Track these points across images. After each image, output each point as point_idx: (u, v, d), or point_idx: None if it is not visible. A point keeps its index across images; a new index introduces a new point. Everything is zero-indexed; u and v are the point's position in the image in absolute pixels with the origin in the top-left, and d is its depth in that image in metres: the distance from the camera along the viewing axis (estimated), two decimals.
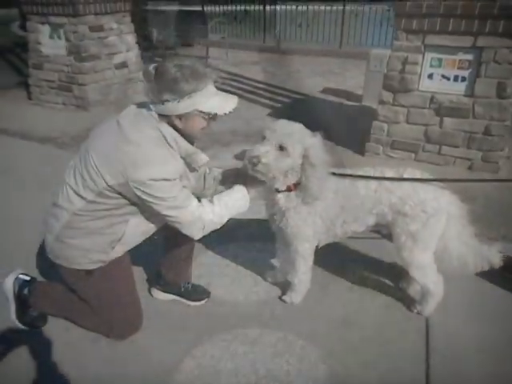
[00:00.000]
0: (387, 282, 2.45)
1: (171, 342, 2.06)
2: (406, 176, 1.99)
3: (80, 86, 5.48)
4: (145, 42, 8.04)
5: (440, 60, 3.64)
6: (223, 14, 10.55)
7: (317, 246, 2.17)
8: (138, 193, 1.65)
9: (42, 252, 2.63)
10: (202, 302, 2.28)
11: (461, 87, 3.64)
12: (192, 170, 1.85)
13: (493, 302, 2.30)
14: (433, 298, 2.11)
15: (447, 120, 3.73)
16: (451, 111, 3.69)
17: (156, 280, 2.30)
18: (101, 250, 1.81)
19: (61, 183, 1.82)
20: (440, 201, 1.93)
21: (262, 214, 2.95)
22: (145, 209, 1.77)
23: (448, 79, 3.66)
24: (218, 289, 2.38)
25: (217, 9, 10.86)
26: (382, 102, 3.95)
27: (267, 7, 10.27)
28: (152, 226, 1.87)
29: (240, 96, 6.24)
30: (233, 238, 2.88)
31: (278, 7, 10.63)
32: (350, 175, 2.01)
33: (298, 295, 2.26)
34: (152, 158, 1.63)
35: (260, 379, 1.86)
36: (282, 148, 1.82)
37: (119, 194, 1.69)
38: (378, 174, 2.03)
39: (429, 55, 3.66)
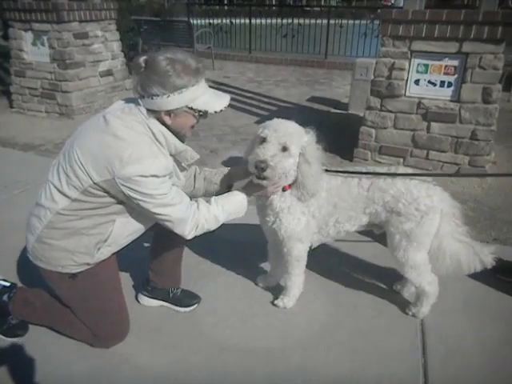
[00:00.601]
0: (380, 284, 2.41)
1: (159, 348, 1.97)
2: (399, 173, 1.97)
3: (64, 93, 5.39)
4: (130, 52, 7.98)
5: (426, 66, 3.68)
6: (209, 25, 10.59)
7: (310, 248, 2.11)
8: (126, 190, 1.56)
9: (22, 258, 2.53)
10: (192, 307, 2.19)
11: (447, 93, 3.67)
12: (182, 169, 1.79)
13: (486, 303, 2.28)
14: (428, 299, 2.08)
15: (434, 125, 3.76)
16: (438, 116, 3.72)
17: (143, 286, 2.21)
18: (86, 251, 1.72)
19: (43, 182, 1.74)
20: (433, 198, 1.91)
21: (251, 218, 2.92)
22: (133, 208, 1.70)
23: (434, 85, 3.70)
24: (208, 295, 2.29)
25: (202, 22, 10.93)
26: (369, 108, 3.97)
27: (252, 20, 10.35)
28: (140, 226, 1.80)
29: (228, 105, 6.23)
30: (223, 243, 2.81)
31: (263, 20, 10.74)
32: (344, 171, 1.98)
33: (290, 299, 2.20)
34: (140, 154, 1.55)
35: None
36: (284, 149, 1.78)
37: (106, 191, 1.61)
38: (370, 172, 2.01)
39: (415, 61, 3.70)
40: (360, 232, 2.76)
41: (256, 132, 1.87)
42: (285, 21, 10.56)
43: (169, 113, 1.61)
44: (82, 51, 5.38)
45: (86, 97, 5.52)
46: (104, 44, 5.68)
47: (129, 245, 1.87)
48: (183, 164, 1.76)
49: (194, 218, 1.71)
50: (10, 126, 5.23)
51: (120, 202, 1.67)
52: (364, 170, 2.01)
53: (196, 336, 2.05)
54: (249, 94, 6.85)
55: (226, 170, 2.07)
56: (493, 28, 3.32)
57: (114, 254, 1.83)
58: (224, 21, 11.05)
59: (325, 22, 9.58)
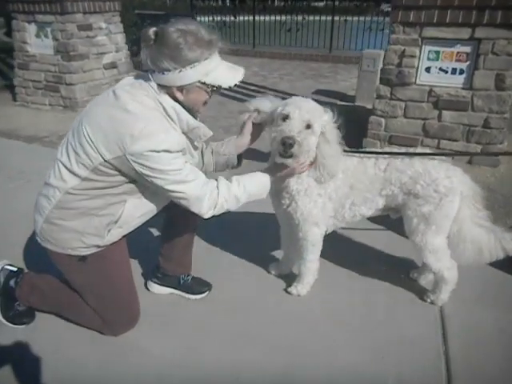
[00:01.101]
0: (396, 272, 2.34)
1: (170, 336, 1.91)
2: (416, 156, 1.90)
3: (68, 85, 5.33)
4: (133, 47, 7.93)
5: (438, 53, 3.59)
6: (212, 20, 10.51)
7: (325, 232, 2.05)
8: (137, 167, 1.50)
9: (29, 245, 2.49)
10: (203, 295, 2.13)
11: (459, 80, 3.59)
12: (194, 147, 1.72)
13: (505, 291, 2.21)
14: (447, 286, 2.01)
15: (446, 113, 3.67)
16: (450, 104, 3.63)
17: (153, 273, 2.15)
18: (96, 232, 1.65)
19: (52, 161, 1.67)
20: (453, 180, 1.84)
21: (262, 206, 2.86)
22: (145, 188, 1.64)
23: (446, 72, 3.61)
24: (219, 282, 2.23)
25: (206, 19, 10.85)
26: (379, 97, 3.88)
27: (256, 17, 10.29)
28: (152, 207, 1.73)
29: (232, 98, 6.17)
30: (233, 231, 2.76)
31: (267, 17, 10.67)
32: (362, 151, 1.92)
33: (304, 286, 2.14)
34: (152, 129, 1.48)
35: (263, 376, 1.73)
36: (308, 126, 1.71)
37: (117, 169, 1.55)
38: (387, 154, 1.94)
39: (426, 48, 3.61)
40: (374, 220, 2.72)
41: (275, 110, 1.79)
42: (289, 17, 10.48)
43: (181, 88, 1.54)
44: (85, 43, 5.32)
45: (90, 89, 5.46)
46: (108, 36, 5.62)
47: (139, 228, 1.80)
48: (195, 142, 1.69)
49: (212, 196, 1.64)
50: (13, 119, 5.17)
51: (132, 181, 1.61)
52: (381, 150, 1.95)
53: (207, 324, 1.99)
54: (254, 87, 6.78)
55: (232, 139, 1.96)
56: (506, 12, 3.23)
57: (124, 236, 1.77)
58: (227, 18, 10.96)
59: (329, 18, 9.51)
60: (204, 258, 2.41)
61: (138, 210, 1.69)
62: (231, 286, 2.24)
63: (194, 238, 2.09)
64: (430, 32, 3.53)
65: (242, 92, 6.33)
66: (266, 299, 2.15)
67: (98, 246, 1.69)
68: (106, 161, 1.51)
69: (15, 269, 1.94)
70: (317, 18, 10.09)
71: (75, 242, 1.66)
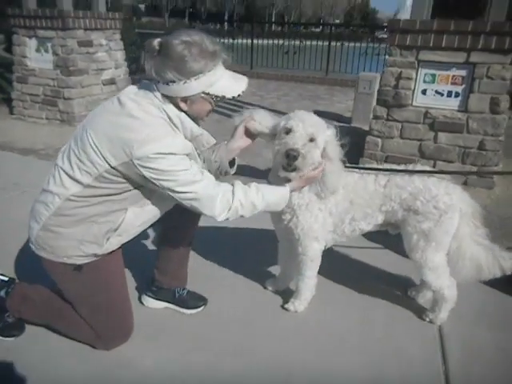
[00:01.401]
0: (393, 290, 2.31)
1: (164, 351, 1.85)
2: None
3: (66, 100, 5.35)
4: (132, 65, 8.00)
5: (434, 76, 3.67)
6: None
7: (324, 247, 2.03)
8: (145, 172, 1.49)
9: (22, 256, 2.43)
10: (198, 309, 2.08)
11: (455, 102, 3.65)
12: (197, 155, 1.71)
13: (504, 310, 2.19)
14: (446, 304, 1.98)
15: (441, 135, 3.72)
16: (445, 126, 3.69)
17: (148, 286, 2.10)
18: (94, 240, 1.62)
19: (52, 168, 1.65)
20: (452, 197, 1.84)
21: (258, 221, 2.84)
22: (149, 195, 1.63)
23: (442, 95, 3.68)
24: (214, 298, 2.18)
25: None
26: (375, 117, 3.94)
27: (254, 41, 10.49)
28: (152, 216, 1.71)
29: (229, 116, 6.21)
30: (229, 246, 2.73)
31: (264, 41, 10.89)
32: (362, 167, 1.92)
33: (302, 303, 2.10)
34: (159, 134, 1.49)
35: None
36: (312, 139, 1.71)
37: (123, 176, 1.53)
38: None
39: (422, 71, 3.69)
40: (372, 238, 2.71)
41: (278, 124, 1.80)
42: (286, 41, 10.70)
43: (185, 99, 1.54)
44: (85, 59, 5.38)
45: (88, 104, 5.47)
46: (108, 53, 5.69)
47: (133, 240, 1.77)
48: (198, 151, 1.69)
49: (225, 197, 1.61)
50: (9, 132, 5.16)
51: (136, 188, 1.59)
52: (381, 167, 1.96)
53: (202, 339, 1.94)
54: (251, 107, 6.83)
55: (222, 144, 1.91)
56: (501, 38, 3.33)
57: (122, 245, 1.74)
58: (226, 40, 11.16)
59: (326, 43, 9.74)
60: (200, 272, 2.36)
61: (138, 219, 1.67)
62: (227, 301, 2.20)
63: (189, 251, 2.06)
64: (426, 55, 3.61)
65: (240, 111, 6.39)
66: (263, 315, 2.11)
67: (96, 255, 1.66)
68: (112, 167, 1.50)
69: (6, 278, 1.89)
70: (314, 42, 10.31)
71: (72, 250, 1.62)
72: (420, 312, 2.11)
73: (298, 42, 10.44)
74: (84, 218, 1.59)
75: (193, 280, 2.18)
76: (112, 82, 5.79)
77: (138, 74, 8.38)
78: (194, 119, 1.62)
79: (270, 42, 10.77)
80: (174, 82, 1.49)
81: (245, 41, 10.92)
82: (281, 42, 10.73)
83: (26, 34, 5.36)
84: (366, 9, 44.71)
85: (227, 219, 1.65)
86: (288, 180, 1.76)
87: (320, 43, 10.02)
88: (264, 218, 3.01)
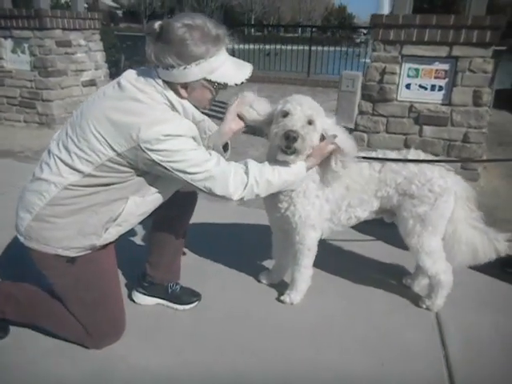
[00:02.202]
0: (389, 280, 2.30)
1: (157, 348, 1.78)
2: (410, 157, 1.90)
3: (44, 102, 5.21)
4: (112, 68, 7.88)
5: (417, 70, 3.70)
6: None
7: (320, 237, 2.00)
8: (154, 155, 1.42)
9: (4, 254, 2.32)
10: (192, 305, 2.02)
11: (438, 96, 3.70)
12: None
13: (498, 296, 2.20)
14: (442, 290, 1.97)
15: (426, 128, 3.76)
16: (430, 120, 3.72)
17: (139, 282, 2.03)
18: (92, 231, 1.54)
19: (47, 156, 1.56)
20: (447, 180, 1.84)
21: (250, 216, 2.80)
22: (150, 184, 1.57)
23: (425, 89, 3.72)
24: (208, 293, 2.12)
25: None
26: (361, 113, 3.95)
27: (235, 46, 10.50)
28: (153, 206, 1.65)
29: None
30: (222, 240, 2.68)
31: (246, 46, 10.92)
32: (370, 158, 1.90)
33: (298, 294, 2.06)
34: (165, 117, 1.44)
35: None
36: (310, 122, 1.68)
37: (129, 163, 1.47)
38: (380, 157, 1.94)
39: (406, 65, 3.72)
40: (364, 231, 2.70)
41: (275, 109, 1.77)
42: (267, 46, 10.74)
43: (185, 85, 1.49)
44: (64, 60, 5.25)
45: (68, 106, 5.35)
46: (87, 54, 5.58)
47: (122, 235, 1.70)
48: (201, 135, 1.63)
49: (238, 174, 1.56)
50: None
51: (139, 176, 1.53)
52: (376, 155, 1.94)
53: (197, 335, 1.87)
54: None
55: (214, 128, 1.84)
56: (482, 32, 3.38)
57: (120, 236, 1.67)
58: None
59: (306, 47, 9.83)
60: (193, 267, 2.31)
61: (139, 208, 1.60)
62: (221, 295, 2.14)
63: (183, 244, 2.00)
64: (409, 50, 3.64)
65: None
66: (258, 309, 2.06)
67: (93, 247, 1.58)
68: (119, 154, 1.43)
69: None
70: (294, 47, 10.37)
71: (68, 241, 1.53)
72: (416, 300, 2.10)
73: (278, 46, 10.48)
74: (83, 207, 1.51)
75: (185, 275, 2.12)
76: (92, 83, 5.67)
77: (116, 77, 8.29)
78: (196, 107, 1.57)
79: (251, 46, 10.78)
80: (173, 67, 1.43)
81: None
82: (261, 46, 10.75)
83: (2, 34, 5.21)
84: (343, 14, 45.36)
85: (242, 198, 1.59)
86: (287, 164, 1.71)
87: (300, 47, 10.10)
88: (256, 213, 3.00)
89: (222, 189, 1.55)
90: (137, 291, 2.03)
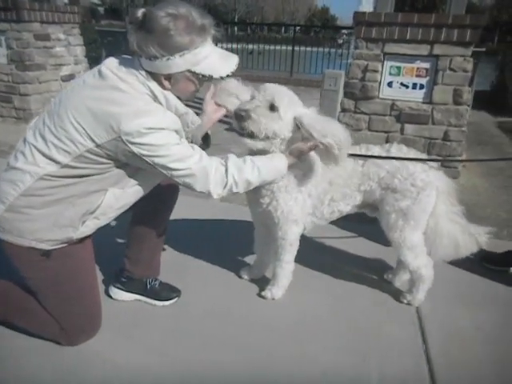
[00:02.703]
0: (370, 275, 2.30)
1: (135, 345, 1.74)
2: (393, 151, 1.90)
3: (22, 96, 5.06)
4: (92, 65, 7.73)
5: (399, 68, 3.72)
6: None
7: (304, 230, 1.98)
8: (135, 148, 1.38)
9: None
10: (172, 301, 1.98)
11: (419, 94, 3.72)
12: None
13: (476, 290, 2.23)
14: (423, 285, 1.98)
15: (408, 126, 3.78)
16: (411, 118, 3.74)
17: (116, 278, 1.97)
18: (69, 223, 1.48)
19: (22, 144, 1.49)
20: (429, 174, 1.85)
21: (232, 212, 2.77)
22: (130, 176, 1.52)
23: (407, 87, 3.74)
24: (188, 288, 2.08)
25: None
26: (343, 110, 3.96)
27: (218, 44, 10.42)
28: (132, 198, 1.59)
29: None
30: (203, 236, 2.64)
31: (229, 45, 10.88)
32: (360, 155, 1.89)
33: (280, 289, 2.04)
34: (148, 108, 1.40)
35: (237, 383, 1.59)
36: (272, 107, 1.64)
37: (107, 156, 1.42)
38: (363, 151, 1.93)
39: (388, 63, 3.73)
40: (345, 227, 2.69)
41: None
42: (250, 46, 10.71)
43: (168, 77, 1.44)
44: (43, 53, 5.11)
45: (46, 101, 5.19)
46: (67, 48, 5.44)
47: (98, 229, 1.65)
48: (184, 128, 1.57)
49: (219, 172, 1.52)
50: None
51: (118, 167, 1.48)
52: (357, 150, 1.92)
53: (176, 331, 1.83)
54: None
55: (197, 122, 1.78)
56: (462, 31, 3.42)
57: (98, 229, 1.61)
58: None
59: (289, 48, 9.84)
60: (172, 263, 2.26)
61: (118, 201, 1.55)
62: (201, 291, 2.10)
63: (163, 239, 1.95)
64: (391, 48, 3.66)
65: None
66: (240, 304, 2.03)
67: (69, 239, 1.52)
68: (97, 146, 1.38)
69: None
70: (277, 47, 10.38)
71: (44, 233, 1.47)
72: (397, 295, 2.10)
73: (262, 46, 10.47)
74: (59, 198, 1.45)
75: (165, 271, 2.07)
76: (71, 78, 5.52)
77: None
78: (180, 98, 1.52)
79: (234, 46, 10.73)
80: (156, 57, 1.38)
81: None
82: (245, 45, 10.71)
83: None
84: (326, 15, 45.68)
85: (221, 196, 1.58)
86: (251, 150, 1.68)
87: (284, 48, 10.11)
88: (237, 209, 2.97)
89: (202, 186, 1.52)
90: (114, 287, 1.97)
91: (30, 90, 5.04)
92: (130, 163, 1.48)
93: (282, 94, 1.67)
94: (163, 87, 1.46)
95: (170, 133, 1.43)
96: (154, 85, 1.44)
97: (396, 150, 1.91)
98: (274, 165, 1.66)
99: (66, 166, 1.41)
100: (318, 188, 1.87)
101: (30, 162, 1.43)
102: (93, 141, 1.38)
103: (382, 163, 1.86)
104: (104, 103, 1.38)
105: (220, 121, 1.86)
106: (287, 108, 1.65)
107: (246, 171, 1.58)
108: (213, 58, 1.45)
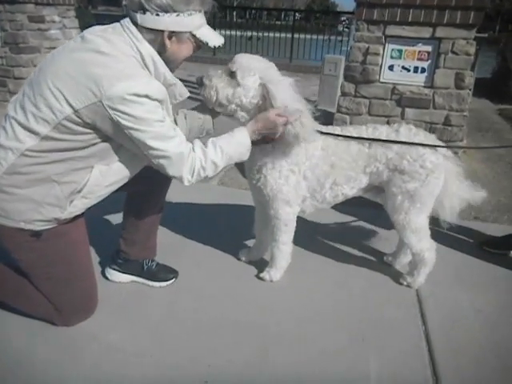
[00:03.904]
0: (370, 258, 2.28)
1: (131, 327, 1.71)
2: (402, 131, 1.84)
3: (16, 80, 4.97)
4: None
5: (400, 51, 3.65)
6: None
7: (304, 213, 1.94)
8: (115, 116, 1.31)
9: None
10: (169, 282, 1.95)
11: (421, 78, 3.66)
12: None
13: (476, 273, 2.21)
14: (425, 268, 1.96)
15: (409, 111, 3.72)
16: (412, 102, 3.68)
17: (112, 259, 1.94)
18: (56, 203, 1.43)
19: (3, 120, 1.43)
20: (439, 156, 1.80)
21: (230, 196, 2.73)
22: (116, 151, 1.46)
23: (408, 70, 3.68)
24: (186, 269, 2.05)
25: None
26: (343, 94, 3.89)
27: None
28: (122, 175, 1.53)
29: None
30: (201, 217, 2.61)
31: (227, 31, 10.75)
32: (340, 135, 1.84)
33: (278, 271, 2.01)
34: (132, 71, 1.33)
35: (235, 365, 1.57)
36: (231, 74, 1.62)
37: (87, 124, 1.34)
38: (370, 131, 1.86)
39: (389, 46, 3.66)
40: (345, 211, 2.66)
41: None
42: (249, 33, 10.58)
43: (171, 35, 1.42)
44: (37, 36, 5.01)
45: None
46: (62, 31, 5.34)
47: (92, 208, 1.60)
48: (171, 100, 1.53)
49: (190, 158, 1.48)
50: None
51: (102, 141, 1.41)
52: (363, 130, 1.86)
53: (173, 312, 1.81)
54: None
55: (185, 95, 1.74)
56: (465, 13, 3.34)
57: (87, 209, 1.56)
58: None
59: (289, 35, 9.73)
60: (169, 244, 2.23)
61: (105, 179, 1.48)
62: (199, 273, 2.08)
63: (159, 219, 1.92)
64: (393, 30, 3.58)
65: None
66: (237, 286, 2.00)
67: (57, 220, 1.47)
68: (75, 111, 1.31)
69: None
70: (277, 34, 10.25)
71: (31, 214, 1.42)
72: (397, 277, 2.08)
73: (261, 33, 10.34)
74: (43, 177, 1.39)
75: (161, 253, 2.04)
76: None
77: None
78: (169, 65, 1.48)
79: (233, 32, 10.60)
80: (166, 11, 1.36)
81: None
82: (244, 32, 10.58)
83: None
84: (326, 2, 45.19)
85: (192, 183, 1.52)
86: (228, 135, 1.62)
87: (283, 35, 9.99)
88: (237, 193, 2.94)
89: (175, 171, 1.48)
90: (110, 268, 1.94)
91: (25, 73, 4.95)
92: (109, 134, 1.41)
93: (245, 61, 1.64)
94: (162, 46, 1.43)
95: (155, 105, 1.37)
96: (143, 46, 1.40)
97: (405, 130, 1.84)
98: (236, 140, 1.60)
99: (46, 137, 1.35)
100: (316, 171, 1.81)
101: (10, 136, 1.37)
102: (70, 106, 1.31)
103: (390, 144, 1.80)
104: (85, 65, 1.31)
105: None
106: (246, 73, 1.61)
107: (210, 153, 1.53)
108: (206, 29, 1.50)
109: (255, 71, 1.63)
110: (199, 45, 1.50)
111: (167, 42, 1.43)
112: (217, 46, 1.50)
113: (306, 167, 1.82)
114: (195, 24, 1.44)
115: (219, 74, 1.64)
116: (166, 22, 1.38)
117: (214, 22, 10.42)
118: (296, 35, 9.79)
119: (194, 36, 1.46)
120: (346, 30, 11.43)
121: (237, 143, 1.60)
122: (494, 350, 1.68)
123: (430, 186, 1.79)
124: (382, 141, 1.81)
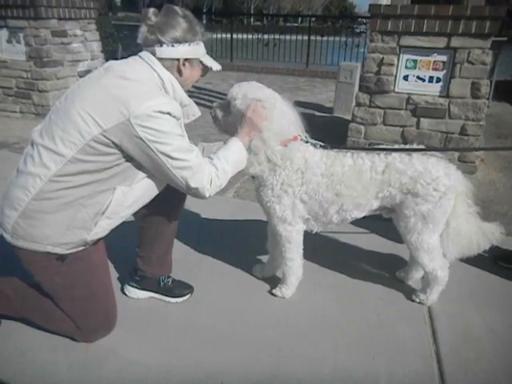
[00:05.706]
0: (382, 273, 2.29)
1: (149, 341, 1.78)
2: (414, 155, 1.84)
3: (40, 92, 5.17)
4: (110, 58, 7.81)
5: (415, 61, 3.66)
6: None
7: (311, 232, 1.99)
8: (142, 132, 1.42)
9: None
10: (184, 298, 2.02)
11: (436, 88, 3.66)
12: None
13: (491, 290, 2.20)
14: (438, 286, 1.97)
15: (424, 121, 3.73)
16: (427, 112, 3.69)
17: (130, 276, 2.02)
18: (82, 225, 1.51)
19: (30, 148, 1.53)
20: (451, 177, 1.81)
21: (246, 210, 2.78)
22: (137, 173, 1.57)
23: (423, 80, 3.69)
24: (201, 285, 2.12)
25: None
26: (358, 104, 3.92)
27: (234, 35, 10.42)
28: (143, 196, 1.62)
29: (209, 107, 6.11)
30: (216, 233, 2.67)
31: (244, 35, 10.84)
32: (352, 148, 1.88)
33: (289, 288, 2.05)
34: (155, 93, 1.49)
35: (248, 380, 1.62)
36: (228, 104, 1.80)
37: (112, 144, 1.44)
38: (382, 156, 1.86)
39: (404, 56, 3.68)
40: (358, 224, 2.67)
41: None
42: (266, 36, 10.64)
43: (185, 62, 1.60)
44: (60, 50, 5.20)
45: None
46: (83, 44, 5.52)
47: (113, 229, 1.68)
48: (185, 119, 1.67)
49: (207, 168, 1.59)
50: None
51: (126, 160, 1.51)
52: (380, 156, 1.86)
53: (189, 327, 1.87)
54: None
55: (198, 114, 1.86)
56: (481, 23, 3.34)
57: (111, 230, 1.64)
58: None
59: (305, 37, 9.77)
60: (184, 261, 2.30)
61: (127, 199, 1.57)
62: (214, 288, 2.14)
63: (174, 237, 1.99)
64: (407, 40, 3.60)
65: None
66: (251, 302, 2.05)
67: (84, 242, 1.56)
68: (104, 130, 1.41)
69: None
70: (293, 37, 10.30)
71: (59, 238, 1.50)
72: (409, 293, 2.09)
73: (277, 36, 10.41)
74: (70, 200, 1.48)
75: (177, 269, 2.11)
76: (88, 73, 5.57)
77: None
78: (182, 88, 1.65)
79: (250, 36, 10.70)
80: (179, 42, 1.54)
81: (224, 35, 10.81)
82: (260, 36, 10.65)
83: None
84: (343, 3, 44.92)
85: (210, 195, 1.62)
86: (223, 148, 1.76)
87: (300, 37, 10.03)
88: (251, 206, 2.99)
89: (197, 181, 1.56)
90: (129, 285, 2.02)
91: (48, 86, 5.14)
92: (133, 154, 1.49)
93: (237, 92, 1.78)
94: (179, 72, 1.60)
95: (176, 122, 1.51)
96: (164, 73, 1.56)
97: (417, 155, 1.83)
98: (230, 146, 1.72)
99: (72, 159, 1.43)
100: (316, 197, 1.84)
101: (37, 163, 1.46)
102: (99, 126, 1.41)
103: (404, 169, 1.79)
104: (113, 90, 1.44)
105: None
106: (237, 102, 1.76)
107: (218, 163, 1.64)
108: (208, 56, 1.68)
109: (243, 97, 1.76)
110: (205, 70, 1.69)
111: (182, 68, 1.60)
112: (217, 70, 1.69)
113: (303, 191, 1.85)
114: (202, 51, 1.63)
115: (223, 104, 1.84)
116: (181, 51, 1.56)
117: (231, 27, 10.55)
118: (312, 37, 9.80)
119: (201, 62, 1.64)
120: (364, 33, 11.38)
121: (234, 149, 1.71)
122: (506, 372, 1.68)
123: (442, 207, 1.81)
124: (386, 149, 1.88)
